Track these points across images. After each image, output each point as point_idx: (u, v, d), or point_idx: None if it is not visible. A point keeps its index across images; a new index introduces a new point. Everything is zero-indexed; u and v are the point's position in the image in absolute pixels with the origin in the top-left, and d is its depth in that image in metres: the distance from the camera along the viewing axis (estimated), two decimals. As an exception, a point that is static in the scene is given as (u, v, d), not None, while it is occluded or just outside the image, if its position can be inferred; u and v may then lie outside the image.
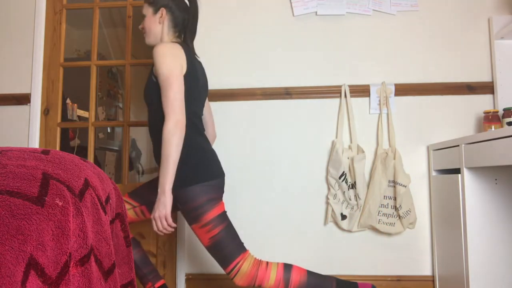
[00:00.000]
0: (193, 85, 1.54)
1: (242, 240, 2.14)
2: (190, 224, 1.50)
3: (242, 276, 1.49)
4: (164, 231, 1.45)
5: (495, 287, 1.64)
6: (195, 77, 1.54)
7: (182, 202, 1.47)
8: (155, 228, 1.45)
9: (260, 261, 1.52)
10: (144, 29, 1.66)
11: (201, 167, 1.49)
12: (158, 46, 1.46)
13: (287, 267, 1.52)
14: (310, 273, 1.53)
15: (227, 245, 1.48)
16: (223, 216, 1.50)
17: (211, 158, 1.54)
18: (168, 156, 1.39)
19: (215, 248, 1.49)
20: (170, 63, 1.44)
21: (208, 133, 1.82)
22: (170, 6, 1.61)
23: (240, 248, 1.51)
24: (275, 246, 2.14)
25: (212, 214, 1.47)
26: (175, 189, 1.47)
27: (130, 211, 1.67)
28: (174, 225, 1.45)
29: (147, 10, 1.64)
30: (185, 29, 1.63)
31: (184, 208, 1.48)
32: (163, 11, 1.61)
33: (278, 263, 1.53)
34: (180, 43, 1.55)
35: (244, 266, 1.49)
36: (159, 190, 1.42)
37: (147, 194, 1.67)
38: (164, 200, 1.40)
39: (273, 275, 1.49)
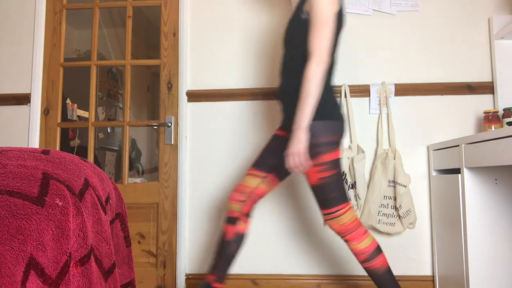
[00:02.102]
0: (339, 24, 1.54)
1: (242, 240, 2.14)
2: None
3: (339, 223, 1.51)
4: (300, 167, 1.44)
5: (495, 287, 1.64)
6: (342, 16, 1.53)
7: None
8: (290, 164, 1.45)
9: (361, 223, 1.54)
10: None
11: (332, 106, 1.51)
12: None
13: (379, 249, 1.55)
14: (389, 270, 1.55)
15: (332, 191, 1.49)
16: (338, 162, 1.51)
17: (337, 101, 1.57)
18: (309, 93, 1.41)
19: (320, 190, 1.50)
20: (329, 0, 1.44)
21: None
22: None
23: (344, 198, 1.52)
24: (275, 246, 2.14)
25: (330, 157, 1.48)
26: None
27: (262, 184, 1.64)
28: (310, 162, 1.46)
29: None
30: None
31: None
32: None
33: (374, 238, 1.55)
34: None
35: (346, 216, 1.50)
36: (295, 126, 1.44)
37: (271, 160, 1.65)
38: (300, 136, 1.42)
39: (366, 243, 1.52)
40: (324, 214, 1.52)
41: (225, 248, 1.62)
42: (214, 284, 1.63)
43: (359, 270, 2.09)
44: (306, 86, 1.42)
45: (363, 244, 1.51)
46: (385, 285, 1.53)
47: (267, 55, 2.23)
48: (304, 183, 2.15)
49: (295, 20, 1.56)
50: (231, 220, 1.63)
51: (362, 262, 1.53)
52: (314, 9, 1.44)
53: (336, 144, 1.50)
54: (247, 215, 1.65)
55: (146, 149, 4.83)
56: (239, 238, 1.63)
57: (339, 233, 1.53)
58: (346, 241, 1.53)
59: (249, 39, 2.24)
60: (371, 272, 1.53)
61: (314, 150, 1.47)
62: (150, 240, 2.19)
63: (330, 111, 1.51)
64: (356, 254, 1.53)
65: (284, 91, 1.60)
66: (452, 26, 2.16)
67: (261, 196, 1.66)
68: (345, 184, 1.52)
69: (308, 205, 2.13)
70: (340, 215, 1.50)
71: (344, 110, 2.13)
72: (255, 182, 1.64)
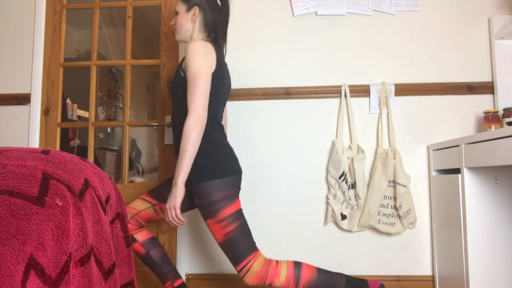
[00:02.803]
0: (219, 85, 1.57)
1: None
2: (205, 219, 1.52)
3: (252, 275, 1.51)
4: (174, 222, 1.48)
5: (495, 287, 1.64)
6: (222, 77, 1.58)
7: (199, 196, 1.49)
8: (166, 219, 1.49)
9: (270, 260, 1.54)
10: (176, 25, 1.69)
11: (220, 163, 1.52)
12: (192, 43, 1.50)
13: (297, 265, 1.54)
14: (320, 270, 1.55)
15: (240, 243, 1.51)
16: (239, 213, 1.52)
17: (230, 154, 1.57)
18: (185, 150, 1.43)
19: (228, 245, 1.51)
20: (201, 61, 1.48)
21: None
22: (203, 6, 1.64)
23: (252, 247, 1.53)
24: (275, 246, 2.14)
25: (229, 210, 1.50)
26: (194, 183, 1.49)
27: (150, 209, 1.69)
28: (182, 218, 1.48)
29: (181, 8, 1.67)
30: (216, 29, 1.67)
31: (201, 202, 1.50)
32: (196, 9, 1.64)
33: (288, 261, 1.55)
34: (212, 43, 1.59)
35: (255, 266, 1.51)
36: (173, 182, 1.46)
37: (166, 192, 1.69)
38: (175, 192, 1.44)
39: (284, 273, 1.51)
40: (239, 271, 1.53)
41: (150, 259, 1.68)
42: (175, 284, 1.69)
43: (359, 270, 2.09)
44: (183, 143, 1.44)
45: (283, 274, 1.52)
46: (329, 283, 1.55)
47: (268, 54, 2.23)
48: (306, 181, 2.15)
49: (177, 76, 1.59)
50: (132, 240, 1.68)
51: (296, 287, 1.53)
52: (188, 68, 1.49)
53: (233, 196, 1.52)
54: (139, 227, 1.71)
55: (146, 149, 4.83)
56: (149, 243, 1.69)
57: (260, 283, 1.52)
58: (269, 285, 1.53)
59: (248, 38, 2.24)
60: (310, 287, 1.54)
61: (211, 208, 1.49)
62: (150, 240, 2.19)
63: (221, 168, 1.51)
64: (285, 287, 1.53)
65: (176, 149, 1.63)
66: (452, 26, 2.16)
67: (146, 219, 1.70)
68: (249, 231, 1.55)
69: (308, 205, 2.13)
70: (251, 266, 1.51)
71: (344, 110, 2.13)
72: (143, 206, 1.69)
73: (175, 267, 1.74)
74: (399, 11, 2.19)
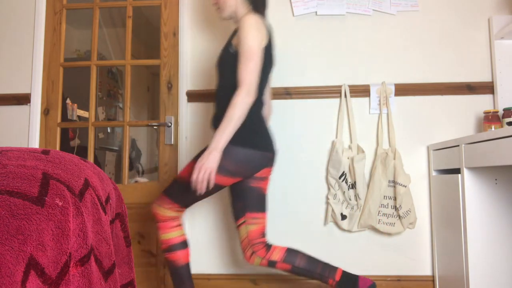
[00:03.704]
0: (268, 60, 1.61)
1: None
2: (195, 158, 1.63)
3: (161, 212, 1.65)
4: (203, 183, 1.45)
5: (495, 287, 1.64)
6: (270, 53, 1.61)
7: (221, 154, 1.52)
8: (194, 177, 1.46)
9: (180, 224, 1.70)
10: (218, 3, 1.70)
11: (259, 137, 1.57)
12: (247, 18, 1.52)
13: (184, 244, 1.70)
14: (186, 267, 1.69)
15: (181, 194, 1.61)
16: (217, 187, 1.57)
17: (265, 131, 1.62)
18: (232, 118, 1.46)
19: (178, 183, 1.62)
20: (255, 36, 1.51)
21: (264, 108, 1.85)
22: None
23: (182, 203, 1.63)
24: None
25: (219, 179, 1.54)
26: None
27: (250, 227, 1.65)
28: (214, 182, 1.50)
29: None
30: (257, 1, 1.68)
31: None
32: None
33: (183, 234, 1.70)
34: (261, 17, 1.60)
35: (167, 211, 1.65)
36: (212, 145, 1.47)
37: (239, 205, 1.67)
38: (215, 155, 1.46)
39: (171, 236, 1.67)
40: (158, 198, 1.67)
41: (299, 269, 1.62)
42: (336, 278, 1.61)
43: (359, 270, 2.09)
44: (231, 112, 1.46)
45: (169, 236, 1.65)
46: (177, 281, 1.66)
47: (267, 55, 2.23)
48: (306, 181, 2.14)
49: (226, 52, 1.62)
50: (271, 265, 1.62)
51: (164, 251, 1.67)
52: (242, 43, 1.51)
53: (226, 171, 1.54)
54: (267, 250, 1.65)
55: (146, 149, 4.83)
56: (289, 256, 1.63)
57: (154, 217, 1.68)
58: (157, 228, 1.68)
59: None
60: (169, 265, 1.67)
61: (218, 168, 1.53)
62: (150, 240, 2.19)
63: (249, 140, 1.54)
64: (160, 242, 1.67)
65: (216, 119, 1.65)
66: (452, 26, 2.16)
67: (258, 236, 1.67)
68: (195, 199, 1.63)
69: (308, 205, 2.13)
70: (163, 207, 1.65)
71: (344, 110, 2.13)
72: (244, 230, 1.66)
73: (324, 261, 1.65)
74: (399, 11, 2.19)
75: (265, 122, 1.64)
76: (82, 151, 3.24)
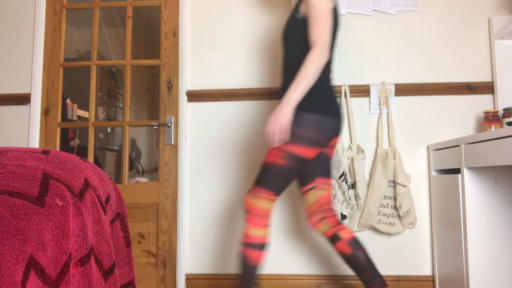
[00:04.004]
0: (335, 22, 1.61)
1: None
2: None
3: (253, 202, 1.56)
4: (276, 136, 1.45)
5: (495, 287, 1.64)
6: (336, 14, 1.62)
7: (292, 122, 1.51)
8: (267, 130, 1.47)
9: (269, 214, 1.58)
10: None
11: (329, 103, 1.55)
12: None
13: (263, 247, 1.58)
14: (255, 269, 1.58)
15: (273, 177, 1.54)
16: (298, 158, 1.52)
17: (335, 98, 1.59)
18: (305, 76, 1.45)
19: (266, 170, 1.55)
20: None
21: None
22: None
23: (277, 190, 1.56)
24: (275, 245, 2.14)
25: (294, 149, 1.51)
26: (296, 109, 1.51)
27: (320, 192, 1.64)
28: (287, 136, 1.48)
29: None
30: None
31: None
32: None
33: (267, 237, 1.59)
34: None
35: (261, 202, 1.56)
36: (284, 100, 1.45)
37: (307, 169, 1.65)
38: (288, 110, 1.45)
39: (257, 233, 1.56)
40: (250, 189, 1.59)
41: (356, 261, 1.58)
42: None
43: (359, 270, 2.09)
44: (304, 69, 1.46)
45: (255, 232, 1.56)
46: (244, 278, 1.58)
47: (268, 54, 2.23)
48: (304, 183, 2.14)
49: (293, 19, 1.61)
50: (334, 239, 1.60)
51: (242, 244, 1.58)
52: (312, 5, 1.51)
53: (315, 143, 1.52)
54: (338, 222, 1.63)
55: (146, 149, 4.83)
56: (354, 243, 1.59)
57: (246, 209, 1.59)
58: (245, 219, 1.59)
59: (249, 38, 2.24)
60: (241, 259, 1.59)
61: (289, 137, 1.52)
62: (150, 240, 2.19)
63: (323, 105, 1.53)
64: (243, 234, 1.58)
65: (281, 93, 1.64)
66: (452, 26, 2.16)
67: (328, 202, 1.65)
68: (288, 181, 1.57)
69: (308, 205, 2.13)
70: (259, 197, 1.56)
71: (344, 110, 2.13)
72: (312, 196, 1.64)
73: (380, 272, 1.59)
74: (399, 11, 2.19)
75: (333, 88, 1.62)
76: (82, 151, 3.23)
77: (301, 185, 1.67)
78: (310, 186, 1.63)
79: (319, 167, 1.63)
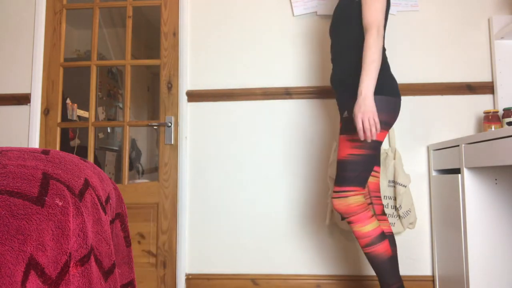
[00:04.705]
0: (388, 5, 1.59)
1: (242, 238, 2.14)
2: (342, 133, 1.52)
3: (344, 203, 1.50)
4: (372, 130, 1.41)
5: (495, 287, 1.64)
6: None
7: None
8: (360, 126, 1.42)
9: (368, 206, 1.53)
10: None
11: (392, 82, 1.54)
12: None
13: (383, 236, 1.51)
14: (392, 258, 1.51)
15: (355, 170, 1.49)
16: (377, 144, 1.50)
17: (394, 78, 1.59)
18: (373, 60, 1.42)
19: (344, 165, 1.51)
20: None
21: None
22: None
23: (362, 182, 1.51)
24: (275, 245, 2.14)
25: (380, 136, 1.49)
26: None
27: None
28: (379, 126, 1.43)
29: None
30: None
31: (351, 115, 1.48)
32: None
33: (380, 224, 1.53)
34: None
35: (352, 199, 1.50)
36: (362, 92, 1.42)
37: None
38: (371, 101, 1.41)
39: (369, 228, 1.49)
40: (334, 192, 1.52)
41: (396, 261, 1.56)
42: None
43: (359, 270, 2.09)
44: (369, 53, 1.43)
45: (368, 228, 1.49)
46: (383, 274, 1.51)
47: (268, 54, 2.23)
48: (307, 182, 2.15)
49: (344, 6, 1.60)
50: (383, 236, 1.56)
51: (364, 246, 1.51)
52: None
53: (384, 124, 1.50)
54: (383, 212, 1.66)
55: (146, 149, 4.83)
56: (390, 239, 1.58)
57: (344, 213, 1.51)
58: (349, 222, 1.52)
59: (249, 38, 2.24)
60: (371, 258, 1.51)
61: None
62: (150, 240, 2.19)
63: (389, 86, 1.51)
64: (358, 237, 1.51)
65: (335, 80, 1.63)
66: (452, 26, 2.16)
67: (377, 189, 1.66)
68: (370, 171, 1.51)
69: (309, 205, 2.14)
70: (348, 196, 1.50)
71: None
72: None
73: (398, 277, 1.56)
74: (399, 11, 2.19)
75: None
76: (82, 151, 3.24)
77: None
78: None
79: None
